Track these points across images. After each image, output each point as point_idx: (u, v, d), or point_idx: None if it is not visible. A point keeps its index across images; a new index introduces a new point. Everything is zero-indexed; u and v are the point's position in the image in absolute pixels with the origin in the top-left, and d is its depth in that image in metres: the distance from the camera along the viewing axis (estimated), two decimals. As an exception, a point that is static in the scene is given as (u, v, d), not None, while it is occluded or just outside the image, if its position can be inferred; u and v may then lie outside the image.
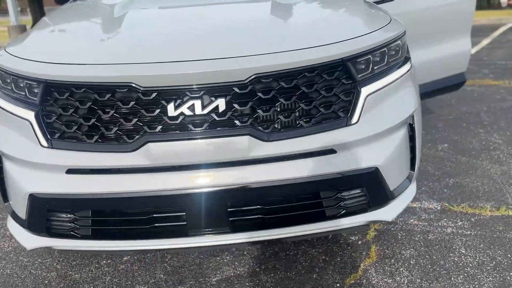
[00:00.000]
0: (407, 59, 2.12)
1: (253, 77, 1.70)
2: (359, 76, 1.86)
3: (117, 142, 1.74)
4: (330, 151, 1.81)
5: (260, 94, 1.74)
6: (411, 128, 2.07)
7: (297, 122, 1.79)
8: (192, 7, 2.43)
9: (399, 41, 2.06)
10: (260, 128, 1.75)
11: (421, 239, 2.45)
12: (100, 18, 2.34)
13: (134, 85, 1.67)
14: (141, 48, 1.84)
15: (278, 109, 1.76)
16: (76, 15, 2.57)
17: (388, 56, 1.98)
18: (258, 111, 1.75)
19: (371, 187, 1.89)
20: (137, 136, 1.72)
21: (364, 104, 1.84)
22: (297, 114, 1.78)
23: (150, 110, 1.70)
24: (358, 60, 1.85)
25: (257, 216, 1.84)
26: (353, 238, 2.51)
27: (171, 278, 2.26)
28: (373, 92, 1.88)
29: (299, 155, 1.79)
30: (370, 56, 1.89)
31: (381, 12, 2.27)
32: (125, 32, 1.99)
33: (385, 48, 1.96)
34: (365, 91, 1.85)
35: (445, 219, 2.63)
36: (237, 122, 1.73)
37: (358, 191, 1.89)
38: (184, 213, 1.78)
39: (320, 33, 1.89)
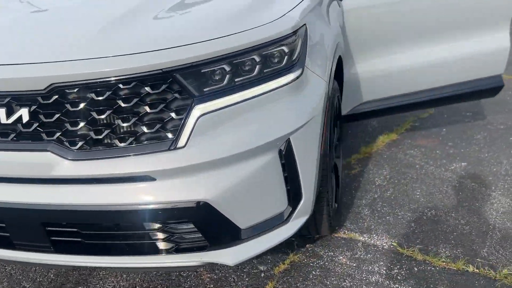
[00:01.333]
0: (294, 67, 1.70)
1: (51, 87, 1.49)
2: (197, 90, 1.53)
3: None
4: (148, 178, 1.54)
5: (68, 106, 1.53)
6: (287, 155, 1.67)
7: (111, 141, 1.55)
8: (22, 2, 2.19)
9: (282, 46, 1.66)
10: (66, 144, 1.55)
11: (332, 285, 2.03)
12: None
13: None
14: None
15: (89, 125, 1.54)
16: None
17: (259, 65, 1.61)
18: (66, 125, 1.54)
19: (203, 224, 1.58)
20: None
21: (195, 125, 1.52)
22: (110, 131, 1.54)
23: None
24: (195, 71, 1.52)
25: (75, 240, 1.66)
26: (261, 267, 2.19)
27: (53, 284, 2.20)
28: (213, 111, 1.54)
29: (109, 179, 1.55)
30: (220, 65, 1.55)
31: (275, 4, 1.83)
32: None
33: (251, 55, 1.59)
34: (198, 110, 1.52)
35: (380, 263, 2.14)
36: (43, 135, 1.56)
37: (190, 226, 1.60)
38: (4, 225, 1.69)
39: (147, 37, 1.58)
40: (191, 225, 1.58)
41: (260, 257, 2.25)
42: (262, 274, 2.13)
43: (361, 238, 2.34)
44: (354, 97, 2.91)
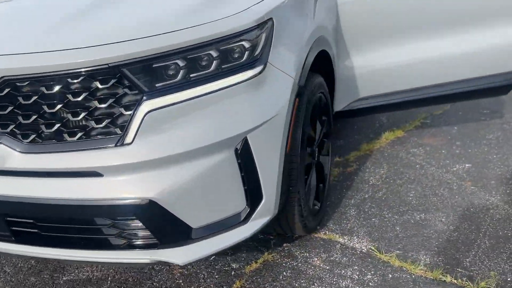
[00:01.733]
0: (255, 63, 1.64)
1: (2, 79, 1.50)
2: (147, 86, 1.51)
3: None
4: (95, 173, 1.53)
5: (20, 99, 1.54)
6: (244, 154, 1.62)
7: (62, 135, 1.55)
8: None
9: (242, 41, 1.60)
10: (19, 137, 1.56)
11: None
12: None
13: None
14: None
15: (40, 118, 1.54)
16: None
17: (217, 60, 1.57)
18: (19, 117, 1.56)
19: (151, 222, 1.56)
20: None
21: (142, 121, 1.49)
22: (61, 125, 1.54)
23: None
24: (144, 65, 1.49)
25: (33, 231, 1.68)
26: (233, 265, 2.16)
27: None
28: (163, 107, 1.51)
29: (59, 173, 1.55)
30: (172, 60, 1.51)
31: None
32: None
33: (207, 49, 1.55)
34: (146, 105, 1.50)
35: (354, 268, 2.06)
36: (-1, 127, 1.58)
37: (139, 224, 1.58)
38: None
39: (96, 32, 1.56)
40: (139, 223, 1.56)
41: (234, 254, 2.22)
42: (233, 272, 2.10)
43: (341, 239, 2.26)
44: (350, 92, 2.80)
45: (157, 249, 1.61)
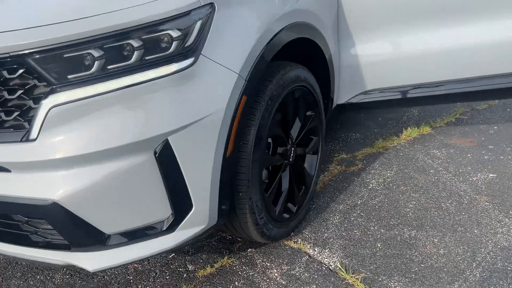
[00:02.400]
0: (184, 55, 1.45)
1: None
2: (56, 78, 1.38)
3: None
4: (3, 168, 1.45)
5: None
6: (166, 158, 1.46)
7: (-24, 126, 1.48)
8: None
9: (168, 31, 1.42)
10: None
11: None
12: None
13: None
14: None
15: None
16: None
17: (138, 50, 1.41)
18: None
19: (58, 224, 1.47)
20: None
21: (46, 116, 1.38)
22: (-26, 115, 1.46)
23: None
24: (52, 56, 1.36)
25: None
26: (189, 267, 2.03)
27: None
28: (71, 102, 1.38)
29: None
30: (84, 49, 1.37)
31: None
32: None
33: (125, 39, 1.39)
34: (52, 99, 1.38)
35: (312, 287, 1.84)
36: None
37: (48, 224, 1.50)
38: None
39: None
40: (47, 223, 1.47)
41: (194, 255, 2.09)
42: (185, 275, 1.97)
43: (311, 251, 2.03)
44: (355, 84, 2.49)
45: (71, 251, 1.52)
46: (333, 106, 2.49)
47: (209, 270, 1.98)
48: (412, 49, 2.39)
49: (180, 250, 2.12)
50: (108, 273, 2.03)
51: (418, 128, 3.05)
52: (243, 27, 1.62)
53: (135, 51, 1.40)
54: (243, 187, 1.73)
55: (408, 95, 2.48)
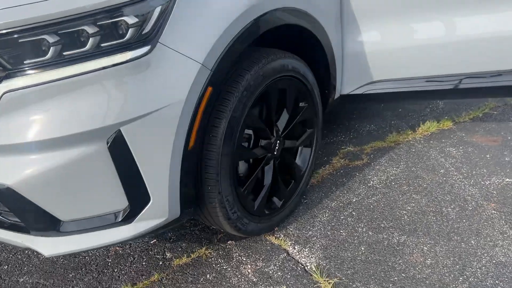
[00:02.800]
0: (141, 43, 1.40)
1: None
2: (11, 63, 1.37)
3: None
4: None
5: None
6: (119, 149, 1.43)
7: None
8: None
9: (123, 17, 1.37)
10: None
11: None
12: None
13: None
14: None
15: None
16: None
17: (93, 37, 1.37)
18: None
19: (13, 207, 1.49)
20: None
21: (-1, 102, 1.38)
22: None
23: None
24: (5, 40, 1.35)
25: None
26: (167, 254, 2.02)
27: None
28: (24, 88, 1.37)
29: None
30: (39, 35, 1.35)
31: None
32: None
33: (80, 24, 1.36)
34: (4, 85, 1.37)
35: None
36: None
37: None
38: None
39: None
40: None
41: (175, 242, 2.07)
42: (161, 262, 1.97)
43: (290, 249, 1.96)
44: (362, 73, 2.34)
45: (30, 235, 1.54)
46: (336, 97, 2.35)
47: (184, 259, 1.96)
48: (426, 38, 2.20)
49: (162, 236, 2.11)
50: (90, 254, 2.06)
51: (438, 123, 2.84)
52: (210, 14, 1.53)
53: (91, 38, 1.36)
54: (212, 180, 1.68)
55: (418, 88, 2.29)
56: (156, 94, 1.44)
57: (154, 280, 1.86)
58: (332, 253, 1.90)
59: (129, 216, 1.53)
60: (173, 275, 1.88)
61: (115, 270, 1.94)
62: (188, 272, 1.89)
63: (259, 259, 1.92)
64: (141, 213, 1.54)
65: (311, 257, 1.90)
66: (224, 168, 1.69)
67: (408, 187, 2.29)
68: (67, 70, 1.36)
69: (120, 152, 1.43)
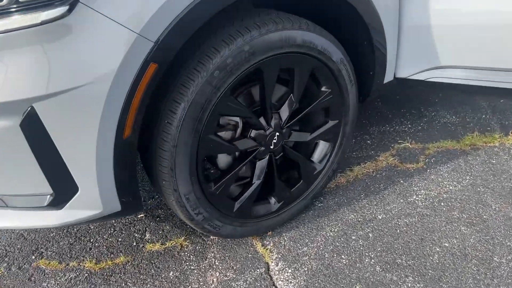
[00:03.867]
0: (58, 2, 1.11)
1: None
2: None
3: None
4: None
5: None
6: (32, 127, 1.22)
7: None
8: None
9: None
10: None
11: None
12: None
13: None
14: None
15: None
16: None
17: None
18: None
19: None
20: None
21: None
22: None
23: None
24: None
25: None
26: (147, 236, 1.84)
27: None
28: None
29: None
30: None
31: None
32: None
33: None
34: None
35: (237, 313, 1.47)
36: None
37: None
38: None
39: None
40: None
41: (159, 223, 1.87)
42: (134, 243, 1.79)
43: (272, 264, 1.62)
44: (424, 54, 1.75)
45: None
46: (388, 81, 1.82)
47: (157, 246, 1.74)
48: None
49: (151, 213, 1.91)
50: (76, 230, 1.95)
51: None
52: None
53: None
54: (166, 175, 1.38)
55: (501, 84, 1.64)
56: (77, 67, 1.15)
57: (118, 263, 1.69)
58: (316, 285, 1.51)
59: (56, 203, 1.33)
60: (138, 262, 1.69)
61: (90, 240, 1.82)
62: (154, 263, 1.68)
63: (232, 267, 1.61)
64: (70, 201, 1.33)
65: (291, 282, 1.53)
66: (181, 163, 1.38)
67: (461, 214, 1.72)
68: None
69: (35, 132, 1.20)
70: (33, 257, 1.73)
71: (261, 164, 1.60)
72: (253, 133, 1.54)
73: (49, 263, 1.71)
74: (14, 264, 1.71)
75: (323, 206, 1.83)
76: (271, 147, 1.59)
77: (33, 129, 1.19)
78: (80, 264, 1.69)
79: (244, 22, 1.35)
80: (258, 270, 1.59)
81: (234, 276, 1.58)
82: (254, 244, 1.70)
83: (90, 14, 1.12)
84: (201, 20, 1.23)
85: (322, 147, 1.74)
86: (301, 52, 1.46)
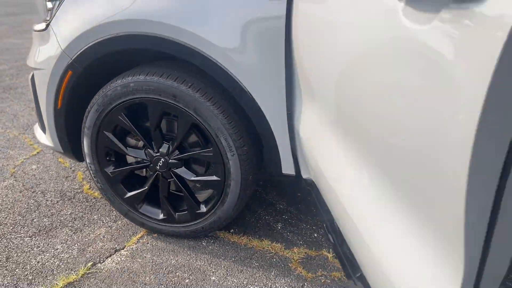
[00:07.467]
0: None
1: None
2: None
3: None
4: None
5: None
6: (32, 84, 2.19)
7: None
8: None
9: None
10: None
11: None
12: None
13: None
14: None
15: None
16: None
17: None
18: None
19: None
20: None
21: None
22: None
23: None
24: None
25: None
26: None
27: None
28: None
29: None
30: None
31: None
32: None
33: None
34: None
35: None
36: None
37: None
38: None
39: None
40: None
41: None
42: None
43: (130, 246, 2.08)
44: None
45: None
46: (287, 173, 1.86)
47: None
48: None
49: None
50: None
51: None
52: (81, 14, 1.83)
53: None
54: (84, 145, 2.09)
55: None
56: (42, 58, 2.01)
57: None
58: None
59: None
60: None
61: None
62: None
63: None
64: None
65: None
66: (88, 140, 2.03)
67: None
68: None
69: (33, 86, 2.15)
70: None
71: (150, 176, 2.05)
72: (146, 149, 2.01)
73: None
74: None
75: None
76: (157, 167, 2.00)
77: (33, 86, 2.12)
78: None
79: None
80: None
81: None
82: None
83: (51, 31, 1.93)
84: (98, 54, 1.85)
85: (210, 192, 2.00)
86: (155, 98, 1.82)
